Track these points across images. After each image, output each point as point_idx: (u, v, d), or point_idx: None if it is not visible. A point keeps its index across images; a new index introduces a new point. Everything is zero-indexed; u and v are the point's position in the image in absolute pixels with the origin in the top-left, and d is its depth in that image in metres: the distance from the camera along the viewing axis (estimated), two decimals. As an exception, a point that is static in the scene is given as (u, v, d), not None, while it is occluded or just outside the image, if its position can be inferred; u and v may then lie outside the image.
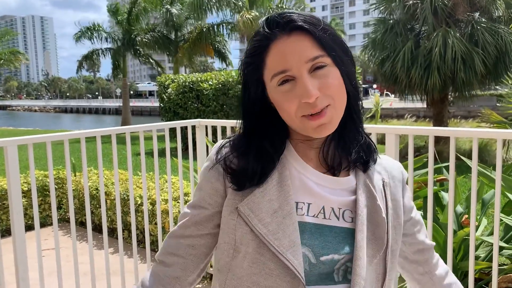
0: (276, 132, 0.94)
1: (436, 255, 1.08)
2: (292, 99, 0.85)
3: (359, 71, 10.66)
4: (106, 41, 23.43)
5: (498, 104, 21.50)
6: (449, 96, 11.46)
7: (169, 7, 20.74)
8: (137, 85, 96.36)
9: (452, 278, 1.10)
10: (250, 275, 0.88)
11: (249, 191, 0.90)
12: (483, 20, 10.36)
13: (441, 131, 2.33)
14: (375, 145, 0.99)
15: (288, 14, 0.87)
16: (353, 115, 0.93)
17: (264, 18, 0.90)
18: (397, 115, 20.09)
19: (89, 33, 22.50)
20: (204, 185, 0.97)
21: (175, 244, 0.97)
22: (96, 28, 22.60)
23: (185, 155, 3.58)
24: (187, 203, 1.01)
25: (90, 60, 24.81)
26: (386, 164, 1.02)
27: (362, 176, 0.95)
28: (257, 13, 18.50)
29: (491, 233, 2.65)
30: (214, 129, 3.48)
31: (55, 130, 23.45)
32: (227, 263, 0.92)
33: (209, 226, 0.96)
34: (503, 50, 9.96)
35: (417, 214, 1.05)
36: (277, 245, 0.84)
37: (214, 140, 3.66)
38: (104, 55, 24.50)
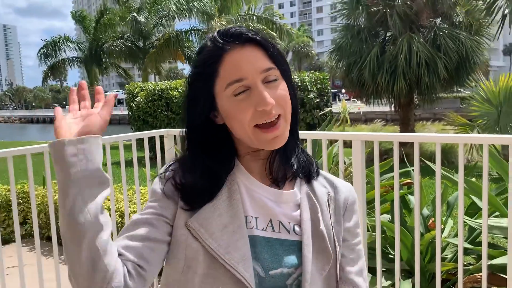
0: (223, 148, 0.94)
1: None
2: (247, 107, 0.86)
3: (327, 77, 10.78)
4: (75, 50, 22.99)
5: (461, 106, 22.16)
6: (415, 100, 11.73)
7: (135, 15, 20.56)
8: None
9: None
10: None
11: (199, 206, 0.90)
12: (445, 26, 10.68)
13: (406, 136, 2.39)
14: (311, 157, 1.02)
15: (239, 28, 0.90)
16: (293, 128, 0.95)
17: (214, 32, 0.92)
18: (366, 119, 20.42)
19: (52, 46, 21.98)
20: (154, 203, 0.93)
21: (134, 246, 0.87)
22: (61, 40, 22.10)
23: (154, 164, 3.54)
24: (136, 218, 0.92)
25: (56, 70, 24.26)
26: (334, 180, 1.02)
27: (305, 188, 0.97)
28: (228, 19, 18.69)
29: (457, 235, 2.72)
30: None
31: (21, 142, 22.76)
32: (177, 279, 0.90)
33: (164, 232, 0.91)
34: (464, 55, 10.27)
35: (358, 249, 1.00)
36: (228, 258, 0.85)
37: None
38: (71, 66, 24.01)
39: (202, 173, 0.91)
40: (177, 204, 0.91)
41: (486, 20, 10.43)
